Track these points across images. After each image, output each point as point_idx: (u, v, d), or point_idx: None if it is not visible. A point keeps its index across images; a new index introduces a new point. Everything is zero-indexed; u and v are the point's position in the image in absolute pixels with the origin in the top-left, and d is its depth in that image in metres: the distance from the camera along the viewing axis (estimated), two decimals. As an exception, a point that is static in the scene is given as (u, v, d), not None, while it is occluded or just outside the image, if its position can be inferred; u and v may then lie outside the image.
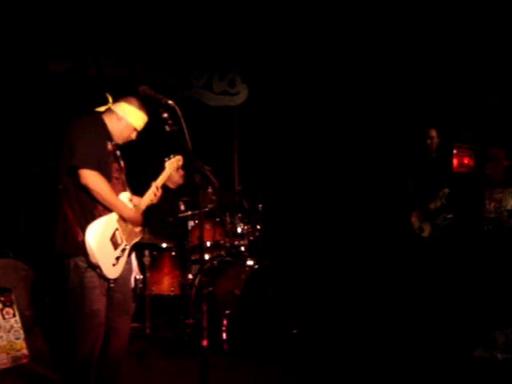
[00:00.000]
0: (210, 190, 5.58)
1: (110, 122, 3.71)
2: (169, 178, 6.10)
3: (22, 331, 4.84)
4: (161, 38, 7.08)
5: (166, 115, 3.18)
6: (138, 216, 3.72)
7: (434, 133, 6.08)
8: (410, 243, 6.10)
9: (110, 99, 3.74)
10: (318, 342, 5.36)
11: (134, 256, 5.25)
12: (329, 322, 5.91)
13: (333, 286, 6.73)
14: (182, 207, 5.86)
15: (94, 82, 6.83)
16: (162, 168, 4.01)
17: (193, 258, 5.70)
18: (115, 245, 3.57)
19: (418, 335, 5.28)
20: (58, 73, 6.76)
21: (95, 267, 3.45)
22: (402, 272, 6.09)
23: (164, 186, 6.12)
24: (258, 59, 7.64)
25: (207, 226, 5.76)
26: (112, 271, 3.56)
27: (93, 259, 3.43)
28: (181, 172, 6.16)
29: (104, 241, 3.50)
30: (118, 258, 3.59)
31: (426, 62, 6.99)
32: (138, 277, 5.49)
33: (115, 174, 3.65)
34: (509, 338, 4.81)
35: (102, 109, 3.75)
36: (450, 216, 5.89)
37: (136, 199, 3.86)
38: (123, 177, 3.77)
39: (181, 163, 4.10)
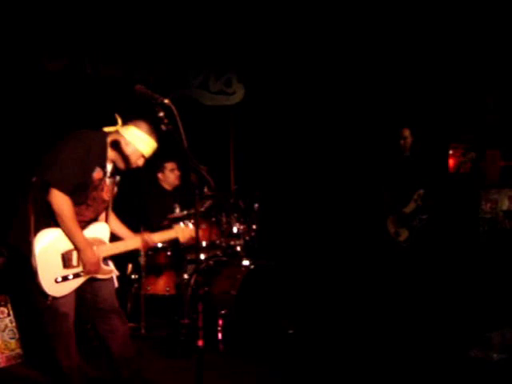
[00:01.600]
0: (205, 190, 5.56)
1: (116, 146, 3.57)
2: (165, 179, 6.14)
3: (16, 331, 4.83)
4: (157, 37, 7.06)
5: (161, 114, 3.15)
6: (92, 259, 3.46)
7: (407, 132, 5.96)
8: (389, 248, 6.06)
9: (119, 121, 3.63)
10: (313, 341, 5.36)
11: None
12: (324, 321, 5.91)
13: (328, 285, 6.73)
14: (178, 210, 5.83)
15: (90, 81, 6.81)
16: (168, 226, 3.87)
17: (188, 257, 5.68)
18: (67, 263, 3.41)
19: (415, 336, 5.28)
20: (54, 72, 6.73)
21: (33, 271, 3.30)
22: (391, 275, 6.06)
23: (160, 188, 6.16)
24: (254, 59, 7.64)
25: (203, 226, 5.75)
26: (52, 287, 3.36)
27: (33, 262, 3.29)
28: (177, 173, 6.15)
29: (53, 250, 3.37)
30: (65, 279, 3.40)
31: (425, 63, 6.99)
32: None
33: (89, 201, 3.53)
34: (505, 338, 4.82)
35: (110, 129, 3.63)
36: (425, 217, 5.82)
37: (122, 231, 3.81)
38: (100, 205, 3.63)
39: (193, 235, 3.79)
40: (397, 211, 5.95)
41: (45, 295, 3.36)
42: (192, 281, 5.48)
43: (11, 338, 4.78)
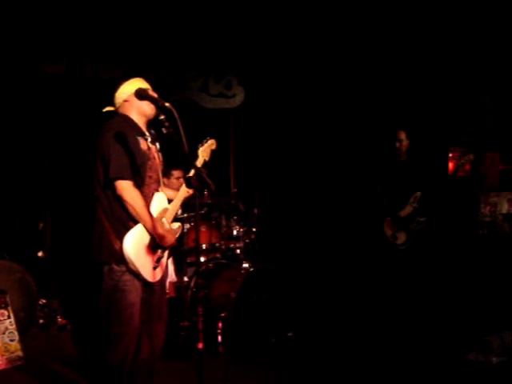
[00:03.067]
0: (205, 193, 5.57)
1: (131, 111, 3.65)
2: (169, 184, 6.10)
3: (16, 333, 4.84)
4: (157, 39, 7.07)
5: (162, 117, 3.17)
6: (166, 237, 3.56)
7: (403, 135, 5.94)
8: (386, 251, 6.05)
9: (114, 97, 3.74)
10: (313, 344, 5.37)
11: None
12: (324, 324, 5.92)
13: (327, 288, 6.73)
14: (178, 212, 5.83)
15: (89, 83, 6.82)
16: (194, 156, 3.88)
17: (188, 260, 5.69)
18: (155, 248, 3.55)
19: (413, 339, 5.29)
20: (53, 75, 6.74)
21: (136, 274, 3.45)
22: (389, 278, 6.06)
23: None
24: (254, 61, 7.65)
25: (203, 229, 5.75)
26: (153, 274, 3.56)
27: (132, 267, 3.42)
28: (181, 181, 6.11)
29: (142, 247, 3.49)
30: (159, 260, 3.58)
31: (423, 66, 7.01)
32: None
33: (149, 173, 3.59)
34: (504, 341, 4.83)
35: (111, 108, 3.71)
36: (423, 219, 5.82)
37: (170, 192, 3.88)
38: (158, 173, 3.70)
39: (214, 147, 3.99)
40: (393, 215, 5.93)
41: (151, 284, 3.57)
42: (192, 283, 5.49)
43: (11, 341, 4.78)
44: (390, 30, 6.98)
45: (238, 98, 7.86)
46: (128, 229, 3.44)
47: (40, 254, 6.32)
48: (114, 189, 3.43)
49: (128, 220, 3.46)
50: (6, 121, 6.37)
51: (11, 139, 6.42)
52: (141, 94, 3.48)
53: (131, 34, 6.90)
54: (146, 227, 3.48)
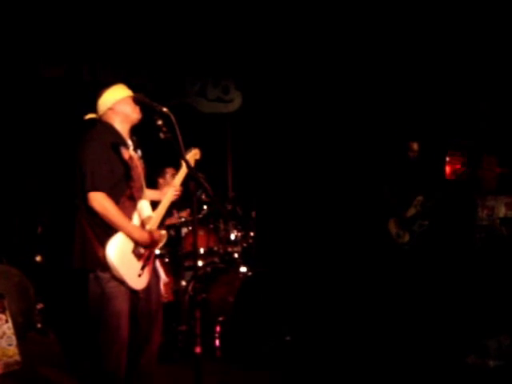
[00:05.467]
0: (203, 197, 5.58)
1: (113, 119, 3.61)
2: (165, 184, 6.11)
3: (14, 337, 4.82)
4: (155, 45, 7.09)
5: (160, 122, 3.18)
6: (147, 238, 3.52)
7: (416, 146, 6.09)
8: (390, 250, 6.12)
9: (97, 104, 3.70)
10: (311, 348, 5.36)
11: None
12: (322, 328, 5.92)
13: (325, 292, 6.73)
14: (176, 216, 5.84)
15: (88, 88, 6.83)
16: (178, 165, 3.88)
17: (186, 264, 5.69)
18: (138, 256, 3.51)
19: (411, 343, 5.29)
20: (52, 78, 6.75)
21: (121, 282, 3.42)
22: (388, 279, 6.09)
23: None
24: (252, 66, 7.67)
25: (201, 233, 5.76)
26: (139, 282, 3.52)
27: (116, 274, 3.39)
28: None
29: (126, 255, 3.45)
30: (143, 268, 3.54)
31: (420, 71, 7.04)
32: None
33: (131, 183, 3.56)
34: (501, 345, 4.83)
35: (93, 115, 3.68)
36: (425, 223, 5.93)
37: (154, 193, 3.87)
38: (141, 181, 3.66)
39: (198, 157, 3.99)
40: (399, 214, 6.04)
41: (136, 292, 3.52)
42: (190, 287, 5.49)
43: (9, 345, 4.76)
44: (389, 37, 7.01)
45: (236, 103, 7.88)
46: (110, 235, 3.40)
47: (38, 258, 6.32)
48: (87, 199, 3.40)
49: (110, 227, 3.42)
50: (5, 125, 6.37)
51: (10, 143, 6.42)
52: (138, 100, 3.49)
53: (130, 38, 6.92)
54: (124, 233, 3.44)
